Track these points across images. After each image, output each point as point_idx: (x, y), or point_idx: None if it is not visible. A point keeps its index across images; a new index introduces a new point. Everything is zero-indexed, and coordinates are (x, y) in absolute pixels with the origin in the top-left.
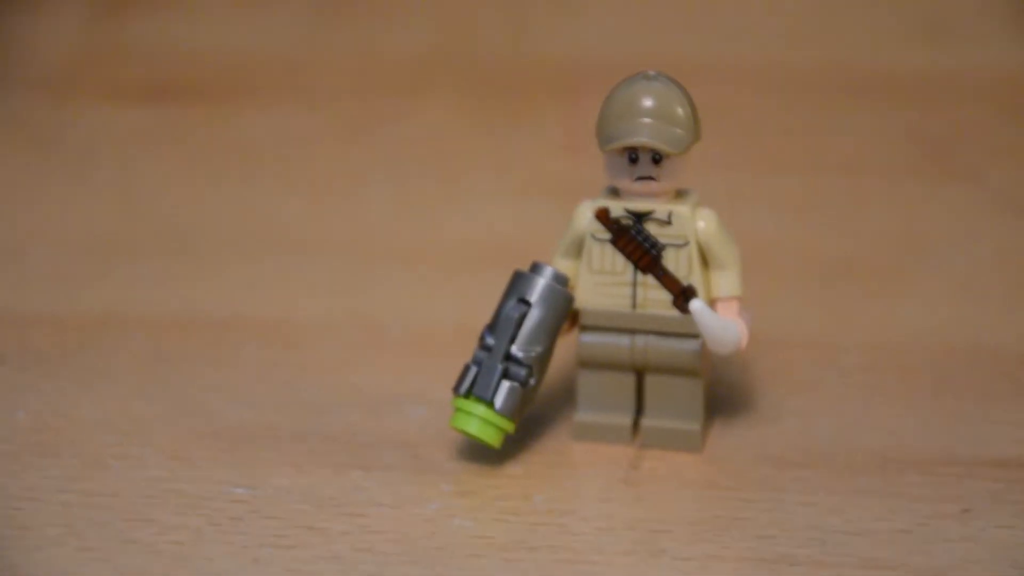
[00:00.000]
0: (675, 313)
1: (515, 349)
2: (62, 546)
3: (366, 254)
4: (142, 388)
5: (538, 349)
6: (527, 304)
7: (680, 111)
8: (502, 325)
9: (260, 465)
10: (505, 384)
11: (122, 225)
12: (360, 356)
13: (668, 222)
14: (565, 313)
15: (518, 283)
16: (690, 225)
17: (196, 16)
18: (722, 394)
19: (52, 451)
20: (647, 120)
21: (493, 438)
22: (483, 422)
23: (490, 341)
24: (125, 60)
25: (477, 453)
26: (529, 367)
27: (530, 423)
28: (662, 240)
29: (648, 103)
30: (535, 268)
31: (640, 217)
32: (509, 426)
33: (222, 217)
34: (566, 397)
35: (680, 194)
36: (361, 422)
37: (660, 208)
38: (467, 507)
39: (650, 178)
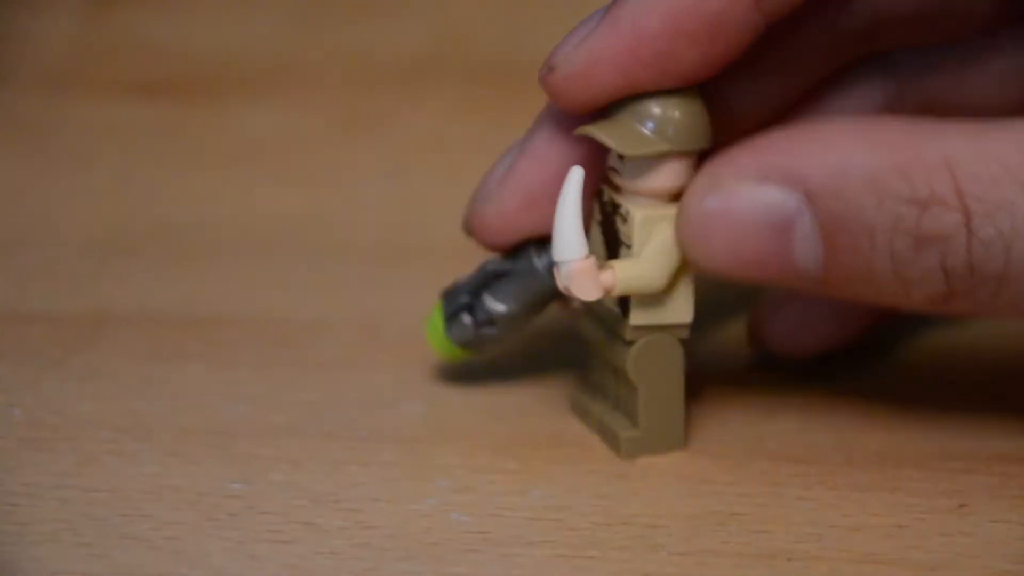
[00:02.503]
0: (619, 312)
1: (487, 296)
2: (59, 542)
3: (363, 251)
4: (139, 385)
5: (501, 308)
6: (509, 269)
7: (658, 111)
8: (481, 271)
9: (257, 461)
10: (464, 317)
11: (119, 222)
12: (357, 353)
13: (625, 220)
14: (542, 297)
15: (523, 251)
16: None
17: (193, 13)
18: (719, 389)
19: (48, 447)
20: (614, 113)
21: (437, 344)
22: (434, 328)
23: (489, 268)
24: (122, 57)
25: (474, 449)
26: (490, 314)
27: (525, 417)
28: (621, 237)
29: (629, 98)
30: (539, 246)
31: (615, 208)
32: (453, 351)
33: (219, 215)
34: (561, 392)
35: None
36: (358, 418)
37: (625, 204)
38: (464, 503)
39: (614, 170)
